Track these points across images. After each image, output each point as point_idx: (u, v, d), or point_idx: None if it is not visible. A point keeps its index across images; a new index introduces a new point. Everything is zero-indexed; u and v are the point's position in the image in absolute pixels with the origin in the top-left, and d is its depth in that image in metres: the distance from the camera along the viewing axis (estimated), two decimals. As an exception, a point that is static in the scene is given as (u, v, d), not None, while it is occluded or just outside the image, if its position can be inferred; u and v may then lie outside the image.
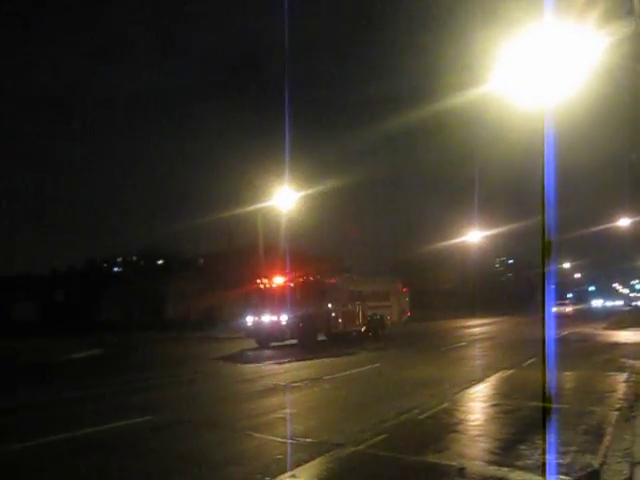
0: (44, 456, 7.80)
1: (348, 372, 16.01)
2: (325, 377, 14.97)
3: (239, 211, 34.81)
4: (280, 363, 18.92)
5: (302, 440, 8.02)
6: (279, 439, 8.19)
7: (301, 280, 26.41)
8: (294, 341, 25.16)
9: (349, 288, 28.47)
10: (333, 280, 28.26)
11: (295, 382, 14.08)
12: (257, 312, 25.59)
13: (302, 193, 31.98)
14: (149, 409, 10.79)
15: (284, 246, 32.10)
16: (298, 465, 6.84)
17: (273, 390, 13.25)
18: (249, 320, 25.93)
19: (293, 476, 6.50)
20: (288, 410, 10.59)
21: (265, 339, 25.57)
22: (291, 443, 7.90)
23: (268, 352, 23.49)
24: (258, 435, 8.51)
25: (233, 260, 33.27)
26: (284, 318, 24.78)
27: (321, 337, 26.49)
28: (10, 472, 7.23)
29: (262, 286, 26.36)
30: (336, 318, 26.99)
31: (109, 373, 17.60)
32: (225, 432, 8.98)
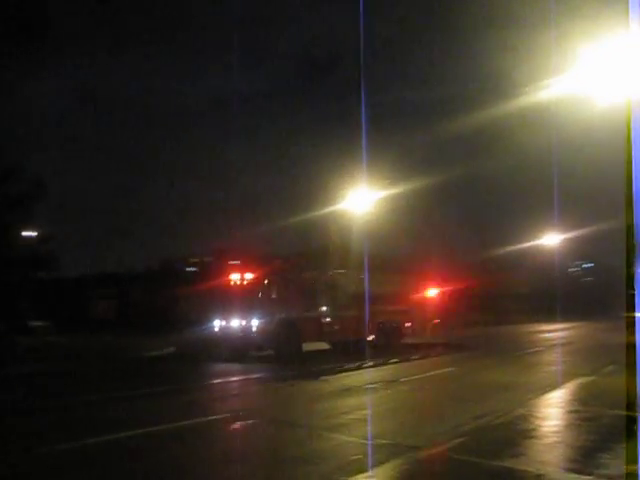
0: (129, 448, 8.15)
1: (423, 375, 15.91)
2: (401, 379, 14.95)
3: (314, 213, 34.57)
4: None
5: (378, 441, 8.05)
6: (355, 439, 8.27)
7: (279, 276, 21.98)
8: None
9: (350, 288, 23.58)
10: (323, 277, 23.40)
11: (370, 384, 14.10)
12: (225, 315, 21.22)
13: (377, 195, 31.33)
14: (226, 407, 11.04)
15: (357, 248, 29.85)
16: (374, 466, 6.85)
17: (348, 391, 13.31)
18: (216, 325, 21.47)
19: (370, 477, 6.53)
20: (363, 411, 10.65)
21: (235, 349, 20.78)
22: (367, 444, 7.95)
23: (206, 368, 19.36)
24: (334, 435, 8.60)
25: (307, 261, 33.03)
26: (255, 323, 20.40)
27: (321, 345, 22.50)
28: (96, 462, 7.53)
29: (232, 283, 21.69)
30: (330, 324, 22.41)
31: (185, 371, 17.96)
32: (301, 431, 9.11)
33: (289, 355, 19.94)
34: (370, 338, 23.68)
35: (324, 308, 22.59)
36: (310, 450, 7.85)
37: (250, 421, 9.96)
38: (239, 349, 20.73)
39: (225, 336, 20.97)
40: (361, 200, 30.46)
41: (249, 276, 21.40)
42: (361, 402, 11.97)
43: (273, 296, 21.18)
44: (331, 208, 31.96)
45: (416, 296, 27.30)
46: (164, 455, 7.79)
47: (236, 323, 20.73)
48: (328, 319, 22.48)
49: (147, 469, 7.18)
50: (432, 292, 28.84)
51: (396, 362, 19.58)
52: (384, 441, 8.09)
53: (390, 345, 23.98)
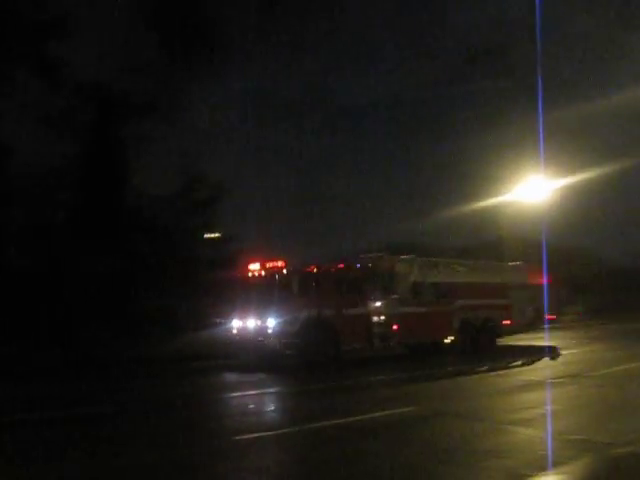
0: (318, 438, 8.51)
1: (612, 369, 15.09)
2: (585, 374, 14.35)
3: (487, 203, 33.47)
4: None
5: (564, 437, 7.81)
6: (540, 434, 8.09)
7: (305, 266, 17.86)
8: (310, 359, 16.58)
9: (416, 278, 19.20)
10: (381, 266, 18.83)
11: (554, 379, 13.65)
12: (243, 314, 17.81)
13: (553, 184, 29.74)
14: (411, 400, 11.25)
15: (532, 239, 27.61)
16: (563, 463, 6.63)
17: (529, 386, 13.00)
18: (235, 325, 18.13)
19: (560, 473, 6.35)
20: (547, 406, 10.40)
21: (255, 355, 17.67)
22: (553, 439, 7.72)
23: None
24: (517, 429, 8.50)
25: (479, 254, 32.11)
26: (271, 323, 16.66)
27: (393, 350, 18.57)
28: (291, 447, 8.06)
29: (251, 275, 18.20)
30: (387, 324, 17.89)
31: (368, 366, 18.17)
32: (484, 425, 9.08)
33: (319, 366, 16.22)
34: (448, 340, 19.79)
35: (378, 304, 18.13)
36: (497, 443, 7.80)
37: (432, 415, 10.06)
38: (257, 354, 17.66)
39: (244, 339, 17.74)
40: (531, 190, 29.35)
41: (273, 267, 17.73)
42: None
43: (299, 290, 17.16)
44: (498, 199, 31.04)
45: (514, 286, 21.81)
46: (365, 445, 7.98)
47: (252, 323, 17.35)
48: (381, 317, 18.03)
49: (347, 455, 7.51)
50: (537, 279, 22.66)
51: (484, 371, 15.89)
52: (571, 437, 7.84)
53: (479, 349, 19.69)
